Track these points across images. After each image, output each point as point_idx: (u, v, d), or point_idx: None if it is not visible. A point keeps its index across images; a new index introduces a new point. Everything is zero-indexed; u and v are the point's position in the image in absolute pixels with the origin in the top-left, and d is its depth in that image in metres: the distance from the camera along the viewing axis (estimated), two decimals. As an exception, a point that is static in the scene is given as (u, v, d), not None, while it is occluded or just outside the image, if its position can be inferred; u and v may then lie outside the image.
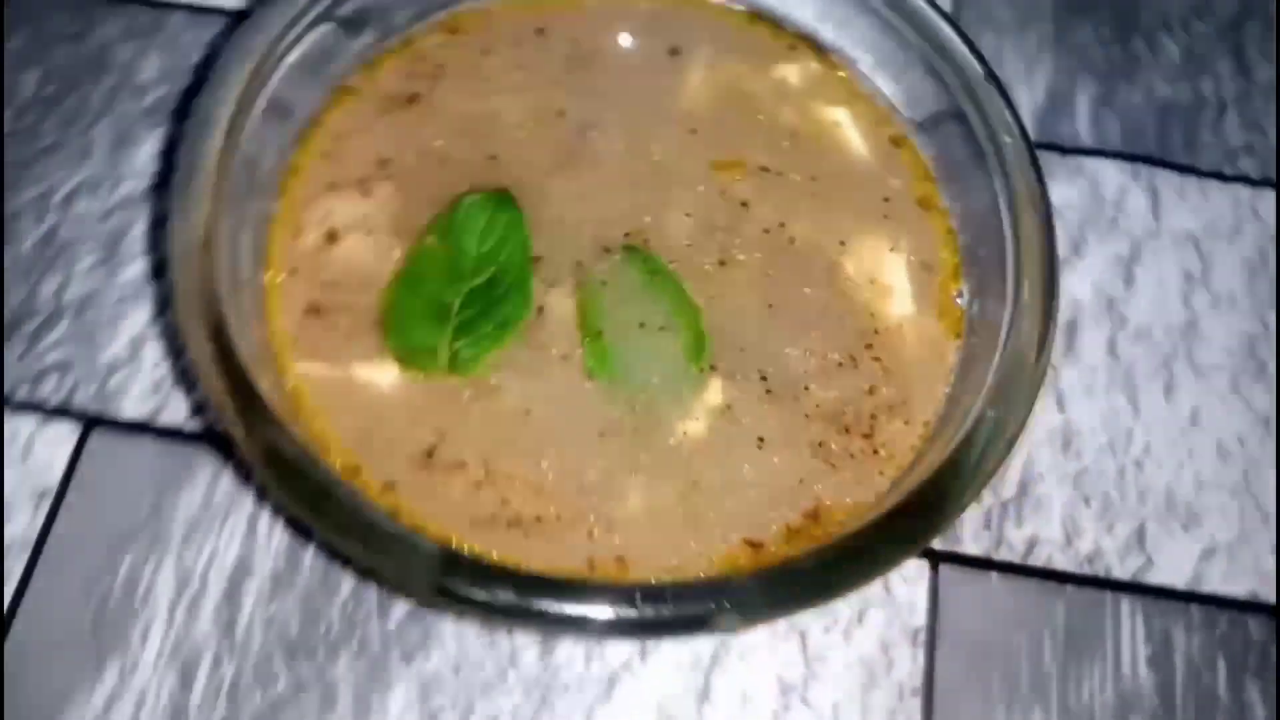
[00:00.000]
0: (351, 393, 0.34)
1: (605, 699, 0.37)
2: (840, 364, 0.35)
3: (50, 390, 0.41)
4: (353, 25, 0.39)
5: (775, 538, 0.33)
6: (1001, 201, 0.34)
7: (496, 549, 0.31)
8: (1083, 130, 0.52)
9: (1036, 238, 0.33)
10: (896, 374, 0.35)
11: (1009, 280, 0.33)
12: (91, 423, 0.40)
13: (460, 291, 0.35)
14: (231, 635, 0.38)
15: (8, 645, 0.37)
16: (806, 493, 0.33)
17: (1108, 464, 0.44)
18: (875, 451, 0.34)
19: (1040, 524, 0.42)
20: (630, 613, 0.27)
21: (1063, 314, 0.47)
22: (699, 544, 0.32)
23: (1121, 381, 0.46)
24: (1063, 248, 0.48)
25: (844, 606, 0.38)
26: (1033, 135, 0.51)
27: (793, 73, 0.40)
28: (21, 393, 0.41)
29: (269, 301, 0.35)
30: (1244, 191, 0.51)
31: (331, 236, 0.36)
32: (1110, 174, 0.51)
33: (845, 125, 0.39)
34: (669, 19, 0.41)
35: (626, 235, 0.37)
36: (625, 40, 0.40)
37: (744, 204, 0.38)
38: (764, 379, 0.35)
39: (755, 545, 0.32)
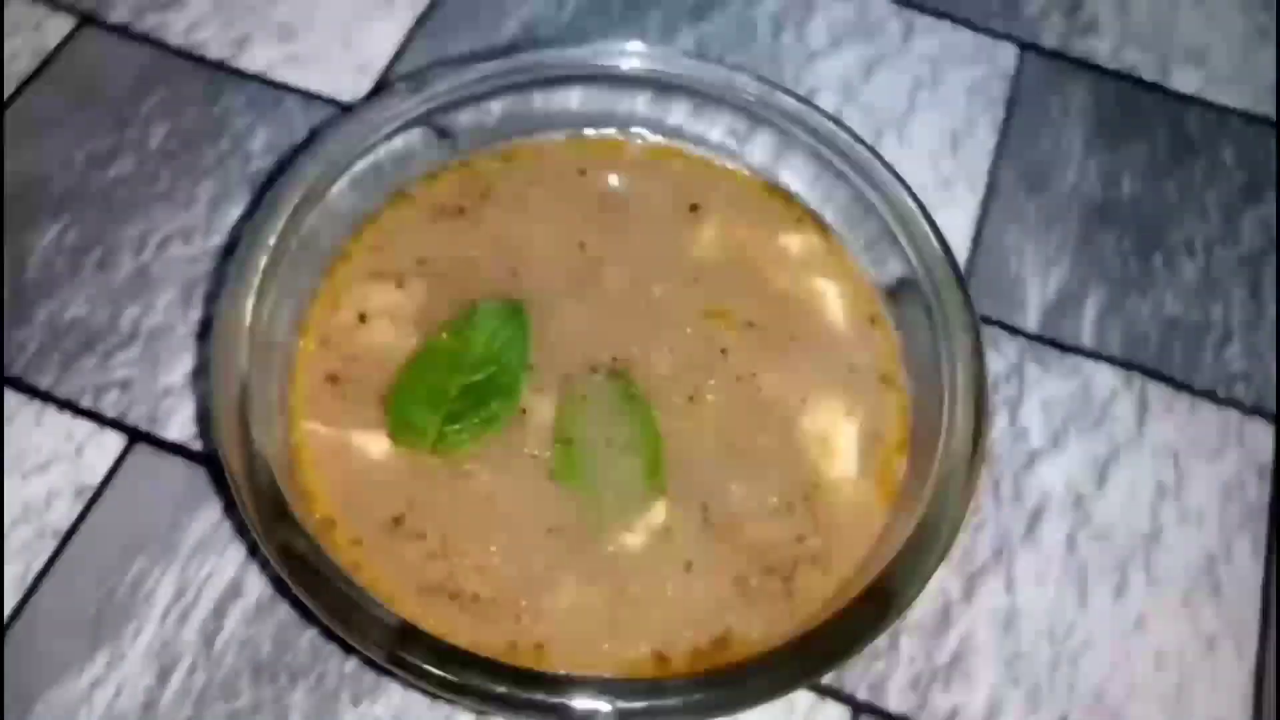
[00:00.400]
0: (344, 455, 0.39)
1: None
2: (777, 509, 0.39)
3: (110, 402, 0.48)
4: (429, 139, 0.46)
5: (681, 655, 0.36)
6: (945, 392, 0.38)
7: (433, 617, 0.35)
8: (1086, 332, 0.55)
9: (965, 429, 0.36)
10: (826, 527, 0.39)
11: (935, 464, 0.37)
12: (137, 436, 0.47)
13: (459, 383, 0.40)
14: (210, 647, 0.43)
15: (22, 617, 0.42)
16: (719, 621, 0.37)
17: (1044, 651, 0.46)
18: (790, 595, 0.37)
19: (966, 695, 0.45)
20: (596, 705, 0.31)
21: (1029, 500, 0.50)
22: (612, 646, 0.36)
23: (1074, 575, 0.48)
24: (1042, 439, 0.52)
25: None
26: (1036, 329, 0.55)
27: (795, 243, 0.44)
28: (86, 399, 0.47)
29: (298, 363, 0.40)
30: (1234, 416, 0.53)
31: (362, 318, 0.42)
32: (1104, 377, 0.54)
33: (830, 297, 0.43)
34: (696, 178, 0.46)
35: (614, 360, 0.41)
36: (653, 191, 0.46)
37: (723, 350, 0.42)
38: (705, 509, 0.39)
39: (662, 658, 0.36)
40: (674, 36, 0.62)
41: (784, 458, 0.40)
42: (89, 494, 0.45)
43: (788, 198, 0.46)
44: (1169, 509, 0.50)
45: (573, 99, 0.46)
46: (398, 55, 0.60)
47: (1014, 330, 0.54)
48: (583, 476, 0.39)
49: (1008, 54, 0.64)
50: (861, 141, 0.43)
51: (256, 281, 0.38)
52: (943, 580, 0.47)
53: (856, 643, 0.34)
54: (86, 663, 0.42)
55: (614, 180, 0.46)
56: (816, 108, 0.45)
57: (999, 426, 0.51)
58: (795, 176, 0.46)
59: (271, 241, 0.39)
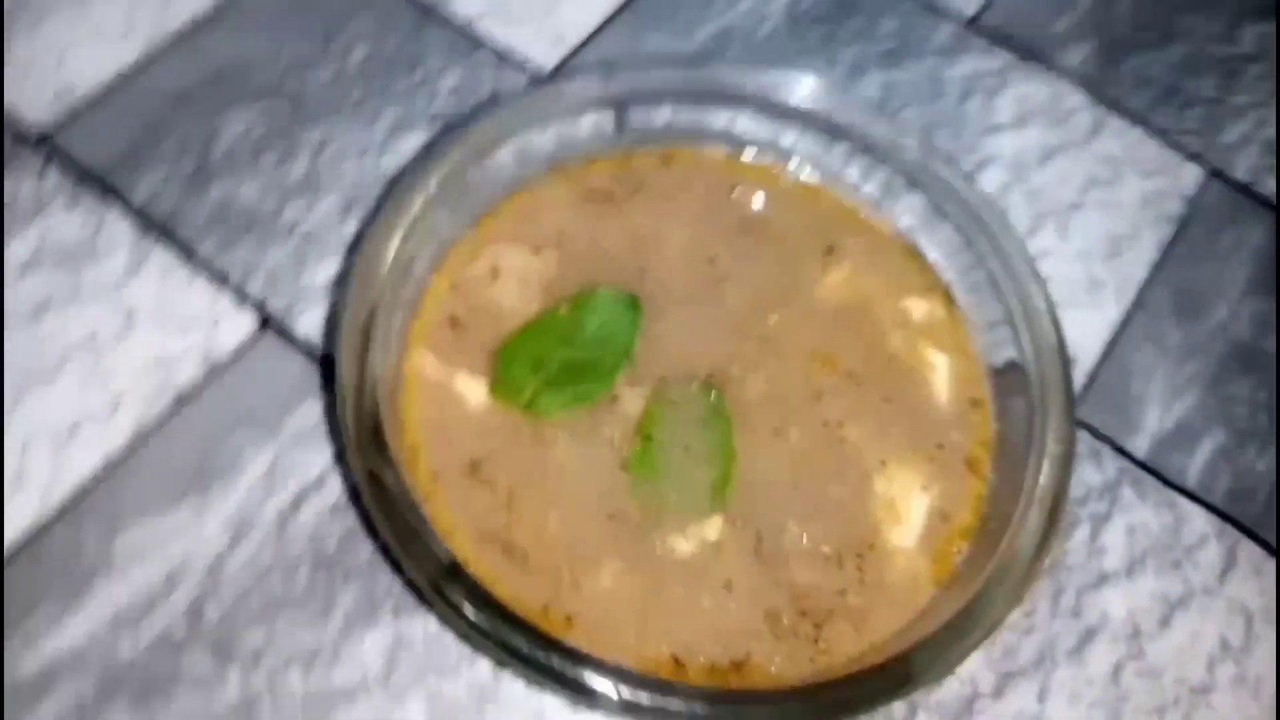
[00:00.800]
0: (444, 394, 0.42)
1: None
2: (829, 557, 0.40)
3: (255, 286, 0.52)
4: (602, 127, 0.48)
5: (699, 666, 0.38)
6: (1024, 489, 0.38)
7: (483, 562, 0.38)
8: (1193, 471, 0.54)
9: (1034, 529, 0.37)
10: (871, 588, 0.40)
11: (995, 557, 0.37)
12: (269, 323, 0.50)
13: (563, 356, 0.42)
14: (283, 530, 0.47)
15: (129, 461, 0.47)
16: (743, 645, 0.38)
17: (1057, 770, 0.46)
18: (816, 641, 0.38)
19: (967, 787, 0.45)
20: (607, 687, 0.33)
21: (1087, 618, 0.49)
22: (636, 639, 0.38)
23: (1111, 704, 0.48)
24: (1118, 563, 0.51)
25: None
26: (1143, 455, 0.54)
27: (919, 308, 0.45)
28: (235, 276, 0.52)
29: (426, 300, 0.43)
30: (1321, 596, 0.51)
31: (495, 273, 0.44)
32: (1198, 521, 0.53)
33: (939, 369, 0.44)
34: (839, 222, 0.47)
35: (711, 375, 0.43)
36: (795, 225, 0.47)
37: (818, 395, 0.43)
38: (759, 537, 0.40)
39: (679, 663, 0.38)
40: (861, 77, 0.63)
41: (848, 511, 0.41)
42: (216, 364, 0.49)
43: (923, 263, 0.46)
44: (1227, 668, 0.49)
45: (740, 120, 0.47)
46: (593, 36, 0.62)
47: (1120, 450, 0.53)
48: (654, 472, 0.40)
49: (1193, 175, 0.63)
50: (1008, 225, 0.43)
51: (409, 218, 0.41)
52: (976, 670, 0.47)
53: (867, 704, 0.35)
54: (172, 511, 0.46)
55: (759, 204, 0.47)
56: (973, 182, 0.45)
57: (1077, 539, 0.51)
58: (935, 244, 0.46)
59: (432, 185, 0.42)
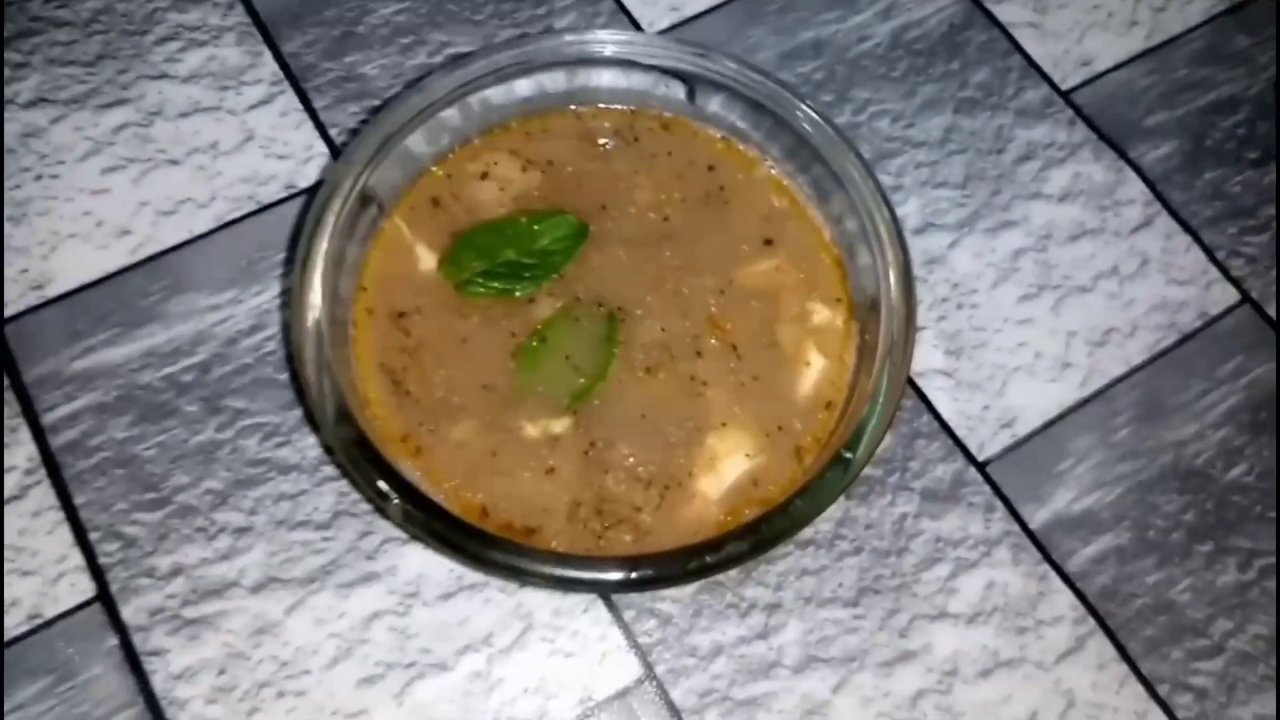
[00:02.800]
0: (405, 253, 0.51)
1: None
2: (639, 478, 0.47)
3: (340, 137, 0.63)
4: (646, 81, 0.56)
5: (498, 521, 0.47)
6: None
7: (373, 383, 0.48)
8: (1077, 559, 0.56)
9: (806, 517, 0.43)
10: (663, 515, 0.47)
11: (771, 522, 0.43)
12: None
13: (509, 256, 0.51)
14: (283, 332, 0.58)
15: (198, 244, 0.59)
16: (539, 518, 0.47)
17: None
18: (599, 537, 0.46)
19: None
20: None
21: (910, 640, 0.54)
22: (461, 482, 0.47)
23: (894, 720, 0.52)
24: (964, 607, 0.55)
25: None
26: (1036, 526, 0.57)
27: (821, 313, 0.51)
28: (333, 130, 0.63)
29: (423, 178, 0.53)
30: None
31: (484, 175, 0.54)
32: (1060, 601, 0.55)
33: (812, 369, 0.49)
34: (789, 221, 0.53)
35: (618, 309, 0.51)
36: (749, 213, 0.53)
37: (699, 353, 0.50)
38: (593, 444, 0.48)
39: (485, 513, 0.47)
40: (929, 114, 0.66)
41: (675, 450, 0.48)
42: (293, 189, 0.62)
43: (844, 277, 0.52)
44: None
45: (743, 113, 0.54)
46: (704, 14, 0.69)
47: (1014, 514, 0.56)
48: (533, 365, 0.49)
49: (1224, 296, 0.63)
50: (909, 276, 0.48)
51: (425, 114, 0.50)
52: (787, 640, 0.53)
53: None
54: (218, 294, 0.59)
55: (729, 184, 0.54)
56: (899, 228, 0.50)
57: (933, 573, 0.55)
58: (858, 267, 0.51)
59: (454, 90, 0.51)
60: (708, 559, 0.41)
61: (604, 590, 0.43)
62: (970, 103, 0.67)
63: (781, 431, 0.48)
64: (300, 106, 0.64)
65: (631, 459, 0.47)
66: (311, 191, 0.61)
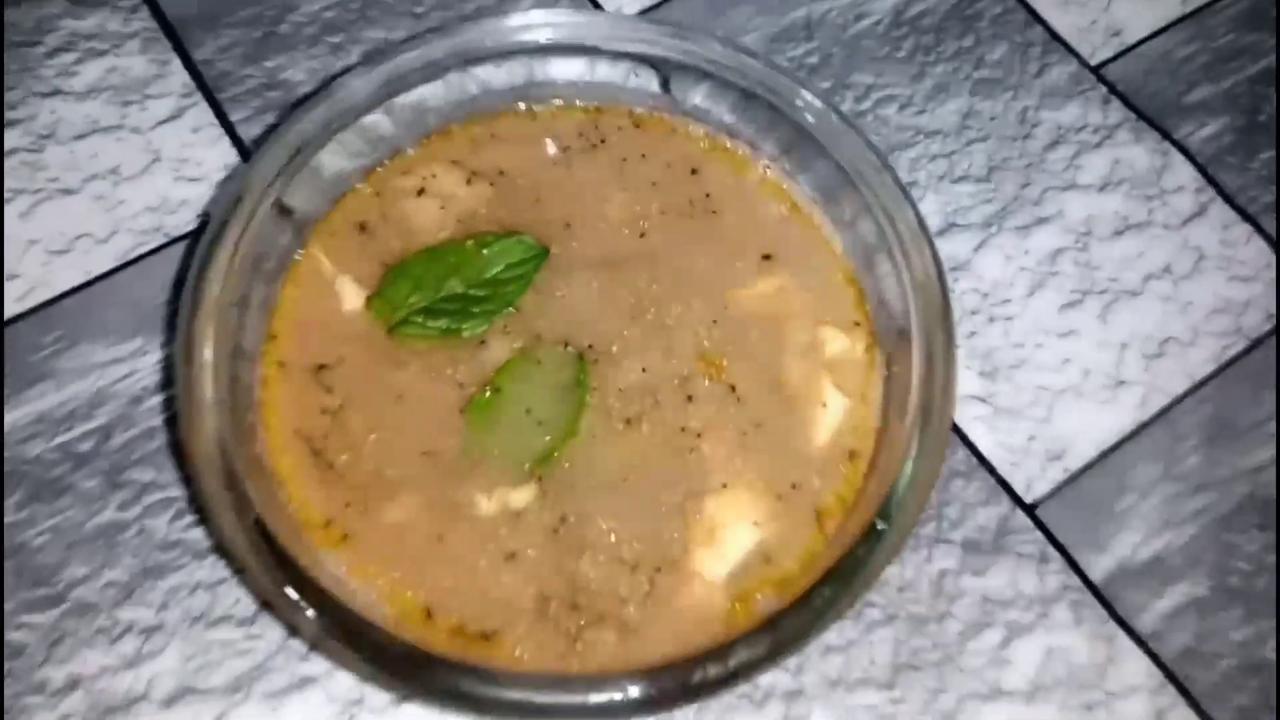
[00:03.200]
0: (325, 290, 0.43)
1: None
2: (624, 562, 0.38)
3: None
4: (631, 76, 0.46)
5: (447, 625, 0.37)
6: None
7: (290, 455, 0.38)
8: (1149, 616, 0.48)
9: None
10: (654, 608, 0.37)
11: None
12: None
13: (452, 289, 0.42)
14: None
15: (114, 284, 0.51)
16: (499, 618, 0.37)
17: None
18: (575, 640, 0.37)
19: None
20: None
21: None
22: (399, 579, 0.38)
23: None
24: (1021, 682, 0.47)
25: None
26: (1099, 579, 0.49)
27: (836, 342, 0.41)
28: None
29: (349, 197, 0.44)
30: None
31: (421, 192, 0.44)
32: (1134, 669, 0.47)
33: (830, 412, 0.40)
34: (790, 232, 0.44)
35: (589, 347, 0.41)
36: (745, 222, 0.44)
37: (690, 398, 0.41)
38: (563, 521, 0.39)
39: (429, 615, 0.37)
40: (943, 99, 0.58)
41: (666, 523, 0.38)
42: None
43: (861, 294, 0.42)
44: None
45: (729, 105, 0.45)
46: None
47: (1073, 565, 0.48)
48: (487, 424, 0.39)
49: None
50: (945, 289, 0.39)
51: (343, 120, 0.41)
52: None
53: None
54: (120, 344, 0.50)
55: (716, 191, 0.45)
56: (925, 230, 0.40)
57: (984, 641, 0.46)
58: (878, 282, 0.42)
59: (378, 90, 0.42)
60: (710, 671, 0.31)
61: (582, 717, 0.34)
62: (988, 84, 0.58)
63: (796, 491, 0.39)
64: (214, 120, 0.55)
65: (612, 535, 0.38)
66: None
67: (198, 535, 0.46)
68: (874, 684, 0.45)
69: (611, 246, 0.43)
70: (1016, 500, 0.49)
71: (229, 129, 0.55)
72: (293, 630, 0.43)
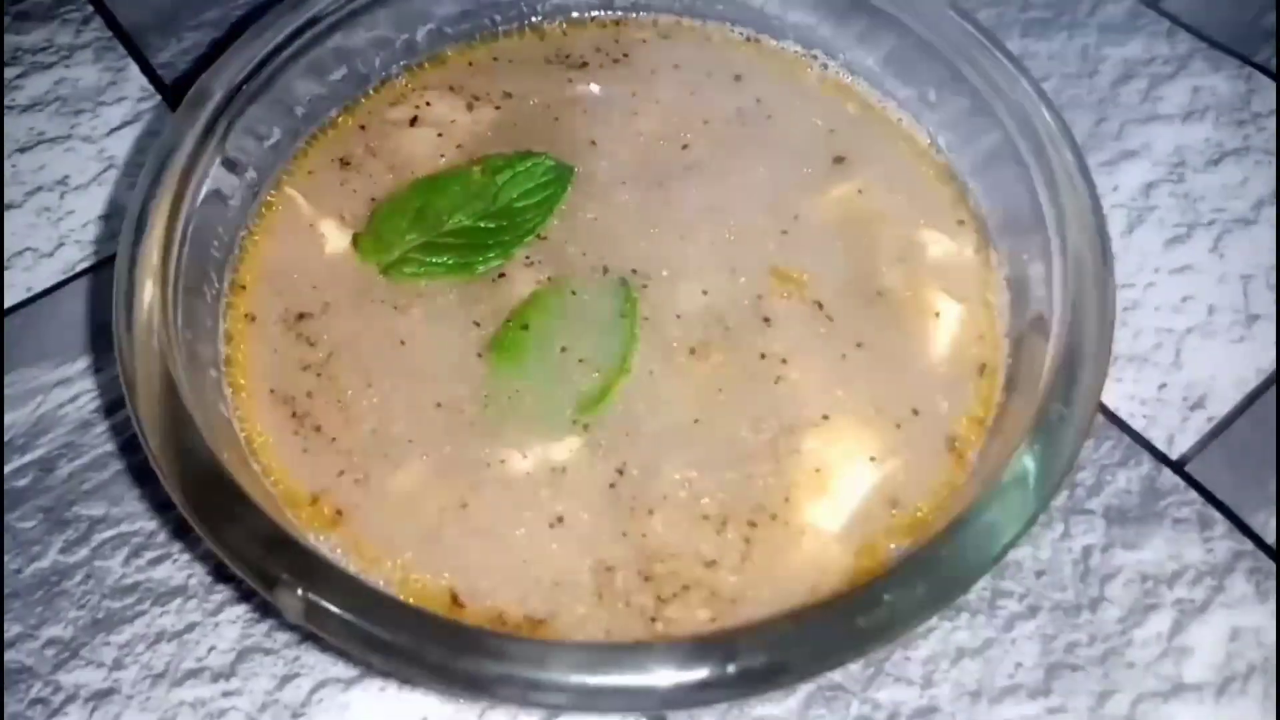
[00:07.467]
0: (304, 234, 0.36)
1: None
2: (707, 518, 0.28)
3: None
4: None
5: (481, 613, 0.27)
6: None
7: (266, 422, 0.30)
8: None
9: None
10: (755, 571, 0.28)
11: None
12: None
13: (461, 221, 0.34)
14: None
15: (58, 300, 0.43)
16: (550, 600, 0.28)
17: None
18: (654, 619, 0.27)
19: None
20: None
21: None
22: (412, 558, 0.28)
23: None
24: (1204, 673, 0.38)
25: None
26: (1275, 538, 0.39)
27: (939, 245, 0.33)
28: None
29: (337, 126, 0.36)
30: None
31: (414, 121, 0.37)
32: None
33: (945, 321, 0.32)
34: (865, 131, 0.36)
35: (634, 271, 0.33)
36: (805, 126, 0.36)
37: (766, 319, 0.32)
38: (621, 474, 0.29)
39: (457, 602, 0.28)
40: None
41: (756, 466, 0.29)
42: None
43: (962, 193, 0.34)
44: None
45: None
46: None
47: (1240, 524, 0.39)
48: (517, 365, 0.31)
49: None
50: (1068, 146, 0.31)
51: (314, 43, 0.34)
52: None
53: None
54: (67, 365, 0.43)
55: (767, 94, 0.37)
56: (1056, 113, 0.32)
57: (1149, 628, 0.37)
58: (981, 179, 0.34)
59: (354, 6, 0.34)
60: (859, 621, 0.21)
61: (683, 705, 0.23)
62: (1040, 24, 0.52)
63: (919, 417, 0.29)
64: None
65: (687, 487, 0.28)
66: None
67: (163, 571, 0.37)
68: (1024, 691, 0.35)
69: (649, 161, 0.35)
70: (1160, 458, 0.40)
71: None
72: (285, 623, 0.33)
